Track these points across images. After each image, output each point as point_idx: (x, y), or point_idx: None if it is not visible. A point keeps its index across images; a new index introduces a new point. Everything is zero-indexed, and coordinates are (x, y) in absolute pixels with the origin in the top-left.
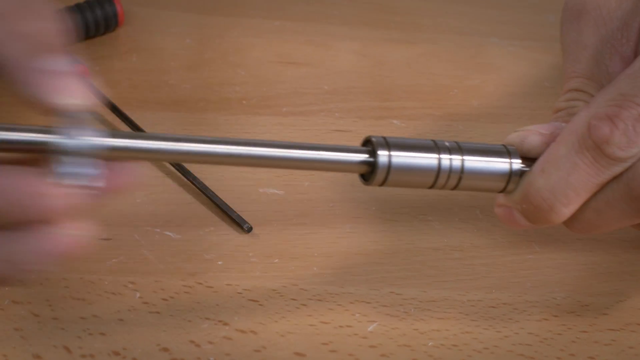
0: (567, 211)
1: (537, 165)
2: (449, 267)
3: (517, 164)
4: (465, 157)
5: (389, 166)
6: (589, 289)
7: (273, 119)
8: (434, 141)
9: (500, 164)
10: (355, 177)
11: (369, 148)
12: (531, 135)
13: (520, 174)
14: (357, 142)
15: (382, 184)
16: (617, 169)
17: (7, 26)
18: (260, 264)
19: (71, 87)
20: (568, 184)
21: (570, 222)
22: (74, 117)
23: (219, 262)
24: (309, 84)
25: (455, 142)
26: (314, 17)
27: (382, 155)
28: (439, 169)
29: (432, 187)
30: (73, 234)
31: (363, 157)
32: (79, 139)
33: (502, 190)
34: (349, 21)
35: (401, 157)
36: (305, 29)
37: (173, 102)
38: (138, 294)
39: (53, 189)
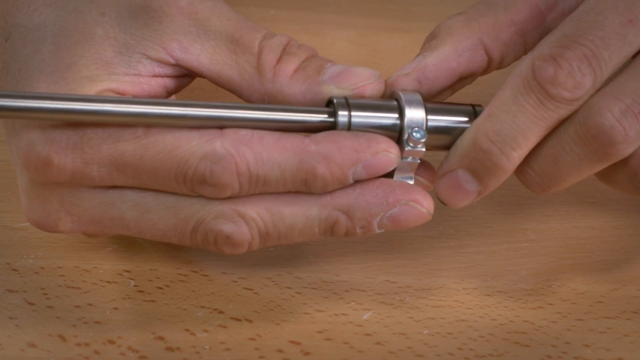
0: (516, 155)
1: (484, 112)
2: (444, 255)
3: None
4: (429, 117)
5: (349, 126)
6: (584, 277)
7: None
8: (397, 100)
9: (465, 123)
10: None
11: (331, 109)
12: (397, 80)
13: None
14: None
15: None
16: (564, 111)
17: None
18: (255, 252)
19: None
20: (515, 125)
21: (528, 175)
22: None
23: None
24: None
25: (422, 101)
26: (308, 6)
27: (342, 115)
28: (401, 130)
29: None
30: (415, 205)
31: (322, 117)
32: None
33: None
34: (344, 10)
35: (361, 117)
36: (300, 18)
37: None
38: (133, 283)
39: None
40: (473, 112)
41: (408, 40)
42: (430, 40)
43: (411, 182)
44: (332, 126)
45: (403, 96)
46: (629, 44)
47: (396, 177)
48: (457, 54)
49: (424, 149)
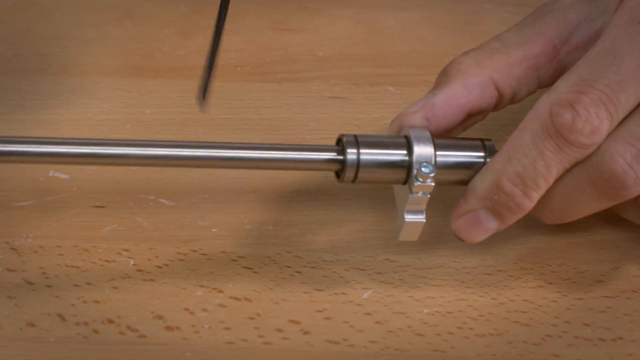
0: (537, 195)
1: (502, 154)
2: (443, 234)
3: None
4: (438, 153)
5: (358, 164)
6: (584, 256)
7: (268, 86)
8: (406, 137)
9: (475, 158)
10: None
11: (339, 147)
12: (405, 118)
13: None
14: (353, 109)
15: (354, 181)
16: (581, 155)
17: None
18: (254, 231)
19: None
20: (536, 170)
21: (541, 211)
22: None
23: (214, 230)
24: (304, 50)
25: (431, 137)
26: None
27: (351, 152)
28: (410, 166)
29: (405, 183)
30: None
31: (331, 155)
32: None
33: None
34: None
35: (370, 155)
36: None
37: (167, 70)
38: (132, 262)
39: None
40: (482, 147)
41: (408, 18)
42: (442, 77)
43: (422, 217)
44: (341, 163)
45: (412, 133)
46: None
47: (407, 213)
48: (466, 91)
49: (433, 184)
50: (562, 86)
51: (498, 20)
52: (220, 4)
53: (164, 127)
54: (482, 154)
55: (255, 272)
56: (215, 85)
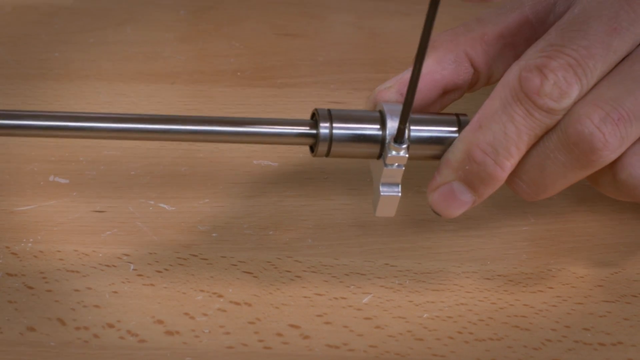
0: (509, 164)
1: (473, 124)
2: (443, 238)
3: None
4: (411, 127)
5: (331, 138)
6: (584, 261)
7: (268, 91)
8: (380, 112)
9: (448, 133)
10: None
11: (313, 121)
12: (379, 94)
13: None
14: None
15: (327, 155)
16: (551, 120)
17: None
18: (254, 236)
19: None
20: (507, 136)
21: (517, 185)
22: None
23: (214, 234)
24: (304, 55)
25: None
26: None
27: (324, 127)
28: (383, 139)
29: (380, 157)
30: None
31: (304, 129)
32: None
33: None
34: None
35: (343, 129)
36: (299, 0)
37: (167, 74)
38: (132, 266)
39: None
40: (457, 122)
41: (408, 23)
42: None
43: (397, 190)
44: (314, 137)
45: (385, 107)
46: (614, 52)
47: (382, 186)
48: (440, 67)
49: (406, 155)
50: (531, 53)
51: None
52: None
53: None
54: (455, 128)
55: (255, 277)
56: (215, 90)
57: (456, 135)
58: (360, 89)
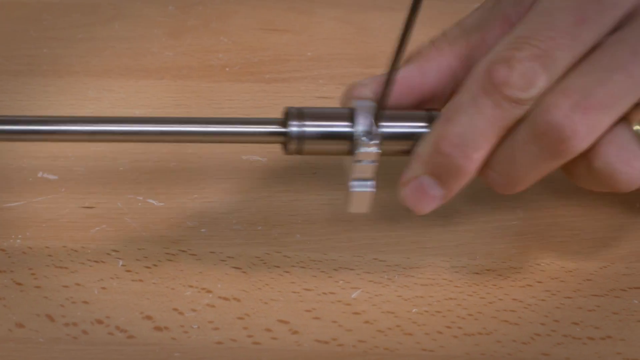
0: (478, 157)
1: (442, 117)
2: (432, 233)
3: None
4: (383, 123)
5: (301, 136)
6: (573, 255)
7: (256, 86)
8: (350, 110)
9: (418, 128)
10: None
11: (284, 119)
12: (355, 89)
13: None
14: None
15: (300, 153)
16: (519, 111)
17: None
18: (243, 231)
19: None
20: (475, 128)
21: (491, 177)
22: None
23: (202, 230)
24: (292, 50)
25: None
26: None
27: (293, 125)
28: (353, 137)
29: (351, 153)
30: None
31: (275, 128)
32: None
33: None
34: None
35: (313, 127)
36: None
37: (156, 70)
38: (121, 262)
39: None
40: (428, 117)
41: (396, 18)
42: (404, 61)
43: (370, 185)
44: (285, 135)
45: (357, 104)
46: (582, 43)
47: (354, 182)
48: (420, 73)
49: (378, 150)
50: (498, 46)
51: None
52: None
53: None
54: (426, 123)
55: (244, 272)
56: (204, 85)
57: (427, 130)
58: (348, 83)
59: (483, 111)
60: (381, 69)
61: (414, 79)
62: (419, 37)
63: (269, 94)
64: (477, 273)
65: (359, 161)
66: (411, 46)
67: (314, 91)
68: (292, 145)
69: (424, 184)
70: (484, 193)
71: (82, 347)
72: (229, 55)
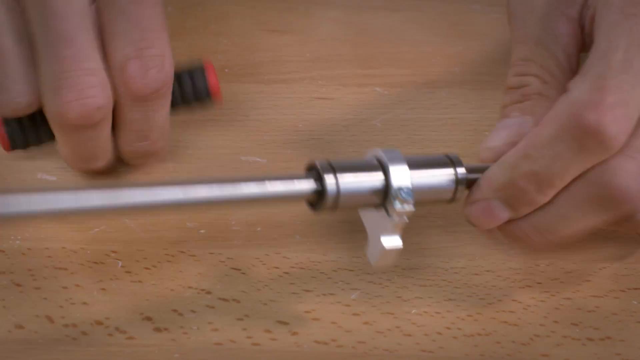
0: (552, 192)
1: (519, 150)
2: (432, 234)
3: (461, 173)
4: (412, 172)
5: (338, 191)
6: (572, 256)
7: (255, 87)
8: (378, 160)
9: (446, 175)
10: None
11: (312, 173)
12: (506, 150)
13: (467, 182)
14: (341, 110)
15: (334, 209)
16: (600, 158)
17: None
18: (242, 232)
19: None
20: (553, 169)
21: (518, 229)
22: None
23: (202, 231)
24: (291, 51)
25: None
26: None
27: (329, 180)
28: (388, 187)
29: (381, 206)
30: None
31: (311, 186)
32: None
33: (451, 201)
34: None
35: (348, 181)
36: None
37: None
38: (120, 263)
39: None
40: (450, 162)
41: (395, 19)
42: (523, 100)
43: (399, 242)
44: (319, 193)
45: (382, 154)
46: None
47: (383, 237)
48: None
49: (413, 209)
50: (581, 86)
51: (486, 21)
52: None
53: None
54: (452, 169)
55: (243, 273)
56: None
57: (452, 176)
58: (348, 84)
59: (564, 155)
60: (381, 70)
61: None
62: (419, 37)
63: (268, 95)
64: (476, 274)
65: (395, 217)
66: (411, 46)
67: (313, 92)
68: (329, 201)
69: (493, 206)
70: None
71: (82, 348)
72: (228, 56)
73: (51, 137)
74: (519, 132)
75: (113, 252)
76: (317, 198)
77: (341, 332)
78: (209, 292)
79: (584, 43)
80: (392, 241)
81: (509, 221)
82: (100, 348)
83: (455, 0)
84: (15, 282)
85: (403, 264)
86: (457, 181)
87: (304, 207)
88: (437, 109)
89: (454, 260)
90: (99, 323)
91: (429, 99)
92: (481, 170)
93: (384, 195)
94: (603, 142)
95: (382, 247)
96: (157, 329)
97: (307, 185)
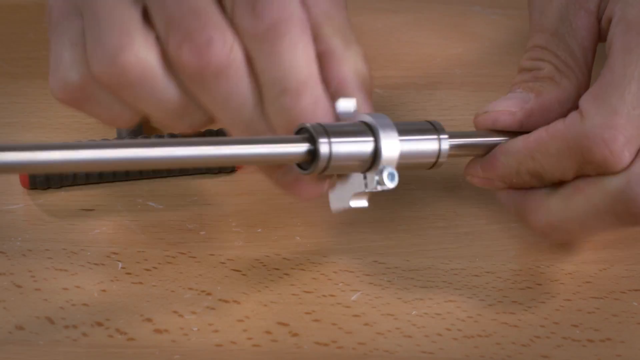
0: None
1: (526, 150)
2: (432, 235)
3: (444, 139)
4: (401, 138)
5: (330, 155)
6: (572, 257)
7: None
8: (368, 125)
9: (430, 142)
10: None
11: (306, 136)
12: (502, 116)
13: (450, 149)
14: None
15: (323, 171)
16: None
17: None
18: (243, 234)
19: None
20: (554, 175)
21: (549, 229)
22: None
23: (202, 232)
24: None
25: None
26: None
27: (323, 142)
28: (376, 155)
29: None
30: None
31: (304, 147)
32: None
33: (431, 167)
34: None
35: (341, 144)
36: None
37: None
38: (121, 265)
39: None
40: (434, 129)
41: (395, 20)
42: (533, 81)
43: (365, 202)
44: (312, 154)
45: (371, 119)
46: None
47: (353, 197)
48: (560, 107)
49: (393, 188)
50: (594, 120)
51: (485, 22)
52: None
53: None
54: (435, 136)
55: (243, 275)
56: None
57: (436, 141)
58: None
59: (568, 167)
60: (381, 71)
61: (553, 112)
62: (419, 39)
63: None
64: (476, 275)
65: (372, 189)
66: (411, 48)
67: None
68: (322, 164)
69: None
70: (483, 196)
71: (82, 349)
72: None
73: (72, 181)
74: (519, 104)
75: (113, 253)
76: (309, 160)
77: (342, 333)
78: (209, 294)
79: (600, 35)
80: (359, 203)
81: (525, 206)
82: (101, 349)
83: (455, 1)
84: (15, 283)
85: (403, 266)
86: (440, 149)
87: (304, 208)
88: (437, 111)
89: (455, 262)
90: (100, 324)
91: (429, 100)
92: (463, 136)
93: (371, 164)
94: (607, 169)
95: (348, 205)
96: (158, 330)
97: (300, 147)
